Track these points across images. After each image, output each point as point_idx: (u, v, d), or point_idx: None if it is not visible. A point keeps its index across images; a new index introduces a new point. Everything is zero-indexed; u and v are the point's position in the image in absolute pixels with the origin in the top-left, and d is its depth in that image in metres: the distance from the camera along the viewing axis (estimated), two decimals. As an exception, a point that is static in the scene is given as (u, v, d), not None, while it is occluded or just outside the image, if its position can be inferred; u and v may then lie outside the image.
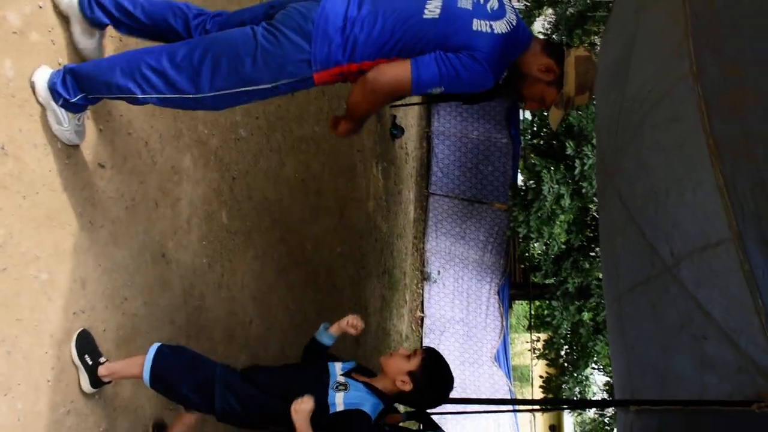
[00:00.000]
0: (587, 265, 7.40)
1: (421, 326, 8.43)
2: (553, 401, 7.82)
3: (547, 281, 8.00)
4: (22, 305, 1.84)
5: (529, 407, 8.59)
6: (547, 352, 8.58)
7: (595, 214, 7.33)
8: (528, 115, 8.82)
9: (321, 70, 1.82)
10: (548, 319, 8.13)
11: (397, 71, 1.82)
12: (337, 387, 2.04)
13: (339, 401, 2.01)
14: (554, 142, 7.51)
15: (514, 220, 7.42)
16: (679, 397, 2.29)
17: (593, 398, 8.37)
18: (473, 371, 8.38)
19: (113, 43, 2.22)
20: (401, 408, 2.56)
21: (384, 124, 7.08)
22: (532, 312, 9.75)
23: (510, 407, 6.66)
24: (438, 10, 1.84)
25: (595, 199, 6.76)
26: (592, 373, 8.43)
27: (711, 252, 1.98)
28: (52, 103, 1.87)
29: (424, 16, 1.83)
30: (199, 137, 2.95)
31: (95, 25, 2.00)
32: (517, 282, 9.19)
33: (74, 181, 2.05)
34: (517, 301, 10.89)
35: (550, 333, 8.35)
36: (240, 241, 3.37)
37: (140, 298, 2.42)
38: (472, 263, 8.65)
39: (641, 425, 2.61)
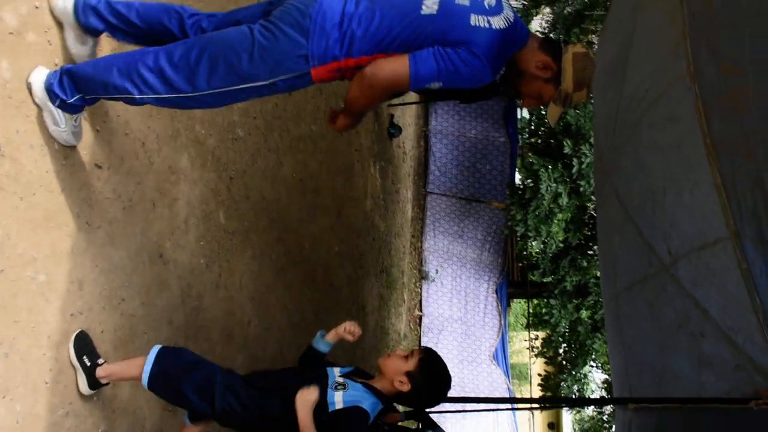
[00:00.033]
0: (585, 264, 7.41)
1: (420, 325, 8.44)
2: (552, 399, 7.82)
3: (545, 279, 8.01)
4: (19, 307, 1.84)
5: (528, 405, 8.60)
6: (545, 350, 8.59)
7: (592, 212, 7.34)
8: (525, 113, 8.83)
9: (318, 65, 1.82)
10: (546, 317, 8.14)
11: (395, 66, 1.82)
12: (336, 386, 2.05)
13: (338, 399, 2.01)
14: (552, 140, 7.52)
15: (512, 219, 7.42)
16: (676, 395, 2.30)
17: (592, 396, 8.37)
18: (472, 370, 8.38)
19: (110, 43, 2.21)
20: (400, 407, 2.56)
21: (382, 123, 7.07)
22: (531, 310, 9.78)
23: (508, 405, 6.67)
24: (436, 6, 1.84)
25: (592, 197, 6.76)
26: (590, 371, 8.45)
27: (708, 251, 1.99)
28: (49, 103, 1.86)
29: (422, 12, 1.83)
30: (197, 137, 2.94)
31: (89, 32, 1.99)
32: (515, 280, 9.21)
33: (71, 182, 2.04)
34: (515, 300, 10.92)
35: (548, 331, 8.36)
36: (238, 241, 3.36)
37: (138, 299, 2.42)
38: (470, 262, 8.66)
39: (640, 423, 2.62)
